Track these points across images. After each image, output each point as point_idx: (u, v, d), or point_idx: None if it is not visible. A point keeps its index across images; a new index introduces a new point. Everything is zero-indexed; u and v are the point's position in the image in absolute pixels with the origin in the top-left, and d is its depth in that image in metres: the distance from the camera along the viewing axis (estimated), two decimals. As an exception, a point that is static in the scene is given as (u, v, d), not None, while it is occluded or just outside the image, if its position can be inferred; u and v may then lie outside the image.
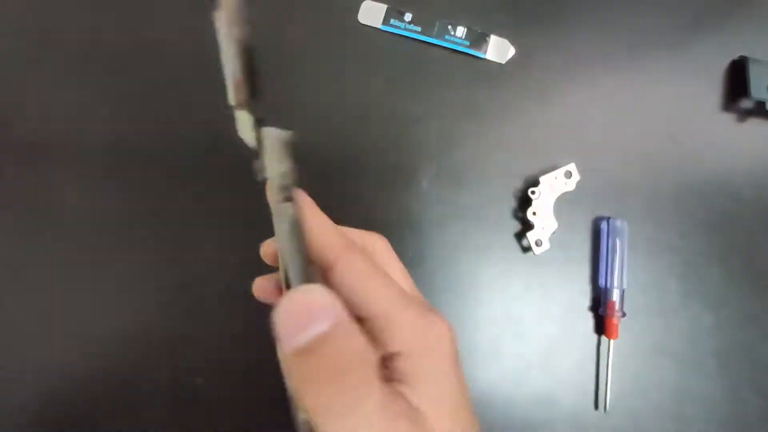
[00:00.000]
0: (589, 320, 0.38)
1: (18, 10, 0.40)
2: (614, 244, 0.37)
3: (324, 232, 0.18)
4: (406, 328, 0.18)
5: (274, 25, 0.40)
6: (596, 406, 0.37)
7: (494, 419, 0.37)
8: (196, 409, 0.36)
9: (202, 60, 0.40)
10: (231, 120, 0.43)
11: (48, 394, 0.35)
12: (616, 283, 0.37)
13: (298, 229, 0.16)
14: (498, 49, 0.40)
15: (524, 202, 0.38)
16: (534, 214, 0.37)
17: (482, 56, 0.40)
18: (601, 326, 0.37)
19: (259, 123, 0.16)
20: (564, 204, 0.39)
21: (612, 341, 0.36)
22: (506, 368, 0.37)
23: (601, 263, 0.38)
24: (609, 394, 0.36)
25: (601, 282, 0.38)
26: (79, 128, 0.38)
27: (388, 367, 0.18)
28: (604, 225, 0.38)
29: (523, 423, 0.37)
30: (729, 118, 0.42)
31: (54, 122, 0.38)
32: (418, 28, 0.40)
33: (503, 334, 0.37)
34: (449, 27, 0.40)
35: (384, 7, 0.41)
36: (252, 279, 0.37)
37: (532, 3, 0.42)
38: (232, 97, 0.15)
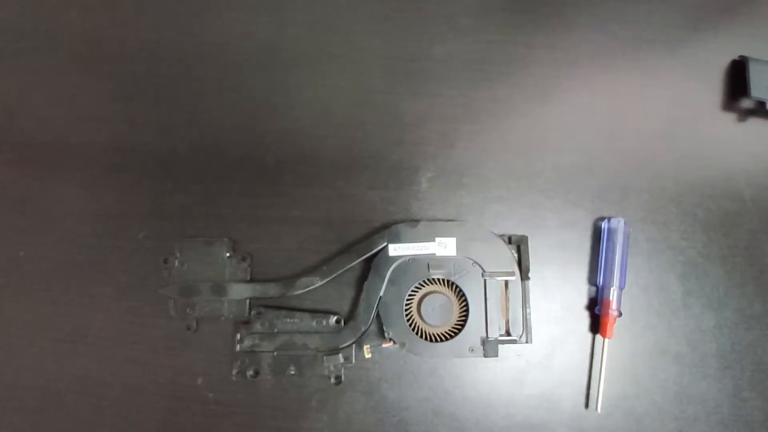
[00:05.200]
0: (588, 320, 0.38)
1: (18, 10, 0.40)
2: (613, 244, 0.37)
3: None
4: None
5: (273, 25, 0.40)
6: (587, 405, 0.37)
7: (495, 419, 0.36)
8: (196, 409, 0.36)
9: (202, 60, 0.40)
10: (230, 120, 0.43)
11: (47, 394, 0.35)
12: (613, 283, 0.37)
13: None
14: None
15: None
16: None
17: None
18: (597, 325, 0.37)
19: None
20: (564, 204, 0.39)
21: (607, 340, 0.36)
22: (506, 368, 0.37)
23: (599, 262, 0.38)
24: (602, 393, 0.36)
25: (599, 281, 0.38)
26: (79, 128, 0.38)
27: None
28: (603, 224, 0.38)
29: (524, 423, 0.36)
30: (729, 117, 0.42)
31: (54, 122, 0.38)
32: (418, 28, 0.40)
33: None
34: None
35: (384, 7, 0.41)
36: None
37: (533, 2, 0.42)
38: None
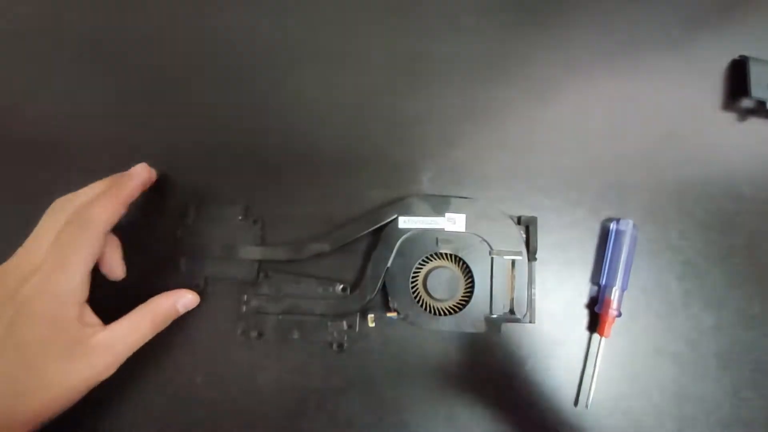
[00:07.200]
0: (586, 320, 0.38)
1: (18, 10, 0.40)
2: (620, 245, 0.37)
3: None
4: None
5: (275, 25, 0.40)
6: (586, 405, 0.36)
7: (492, 417, 0.36)
8: (196, 409, 0.36)
9: (202, 59, 0.40)
10: (231, 119, 0.43)
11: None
12: (616, 283, 0.37)
13: None
14: (498, 49, 0.40)
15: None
16: None
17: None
18: (595, 324, 0.37)
19: None
20: (565, 204, 0.39)
21: (605, 340, 0.36)
22: (504, 367, 0.37)
23: (604, 262, 0.38)
24: (593, 390, 0.36)
25: (602, 280, 0.38)
26: (80, 127, 0.38)
27: None
28: (612, 225, 0.38)
29: (521, 421, 0.36)
30: (729, 117, 0.42)
31: (54, 122, 0.38)
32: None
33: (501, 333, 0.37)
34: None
35: (384, 6, 0.41)
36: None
37: (533, 2, 0.42)
38: None
